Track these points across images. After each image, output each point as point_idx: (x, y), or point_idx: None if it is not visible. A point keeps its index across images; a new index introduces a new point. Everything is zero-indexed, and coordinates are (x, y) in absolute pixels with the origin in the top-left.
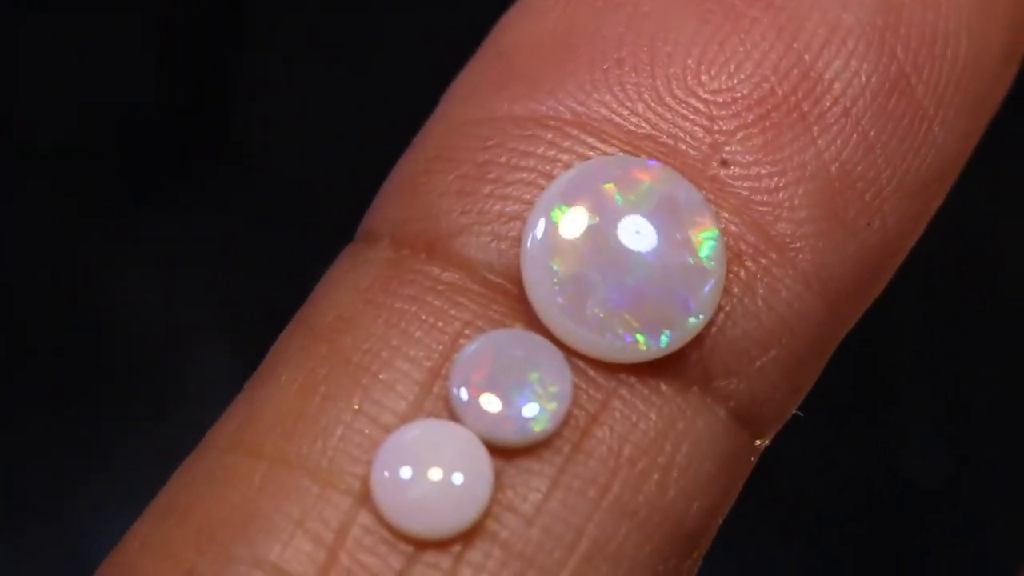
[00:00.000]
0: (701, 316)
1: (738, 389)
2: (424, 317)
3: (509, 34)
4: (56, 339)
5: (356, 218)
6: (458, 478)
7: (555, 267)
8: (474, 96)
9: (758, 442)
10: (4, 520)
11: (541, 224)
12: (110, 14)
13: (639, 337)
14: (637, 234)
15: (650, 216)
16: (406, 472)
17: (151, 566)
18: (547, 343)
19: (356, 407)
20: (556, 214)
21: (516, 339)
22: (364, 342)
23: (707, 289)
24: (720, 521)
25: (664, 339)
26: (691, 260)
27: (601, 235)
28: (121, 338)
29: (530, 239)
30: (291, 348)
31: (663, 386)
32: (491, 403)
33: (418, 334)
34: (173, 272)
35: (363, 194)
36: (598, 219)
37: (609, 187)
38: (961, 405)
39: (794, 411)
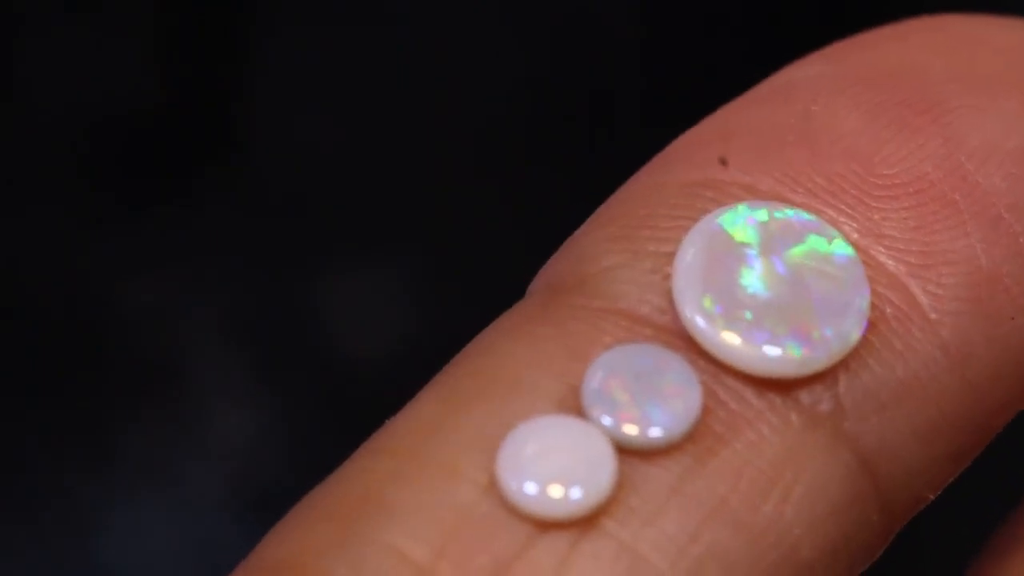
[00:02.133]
0: (856, 332)
1: (865, 434)
2: (566, 339)
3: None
4: (57, 336)
5: (357, 216)
6: (580, 468)
7: (706, 273)
8: (658, 165)
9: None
10: (7, 515)
11: (697, 242)
12: (109, 10)
13: (790, 346)
14: (786, 259)
15: (799, 248)
16: (530, 455)
17: (272, 548)
18: (678, 356)
19: (488, 410)
20: (712, 228)
21: (648, 351)
22: (505, 361)
23: (857, 311)
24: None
25: (822, 349)
26: (841, 283)
27: (751, 254)
28: (123, 335)
29: (684, 256)
30: (436, 377)
31: (794, 416)
32: (620, 405)
33: (559, 352)
34: (174, 269)
35: (365, 193)
36: (753, 243)
37: (762, 214)
38: None
39: (930, 496)
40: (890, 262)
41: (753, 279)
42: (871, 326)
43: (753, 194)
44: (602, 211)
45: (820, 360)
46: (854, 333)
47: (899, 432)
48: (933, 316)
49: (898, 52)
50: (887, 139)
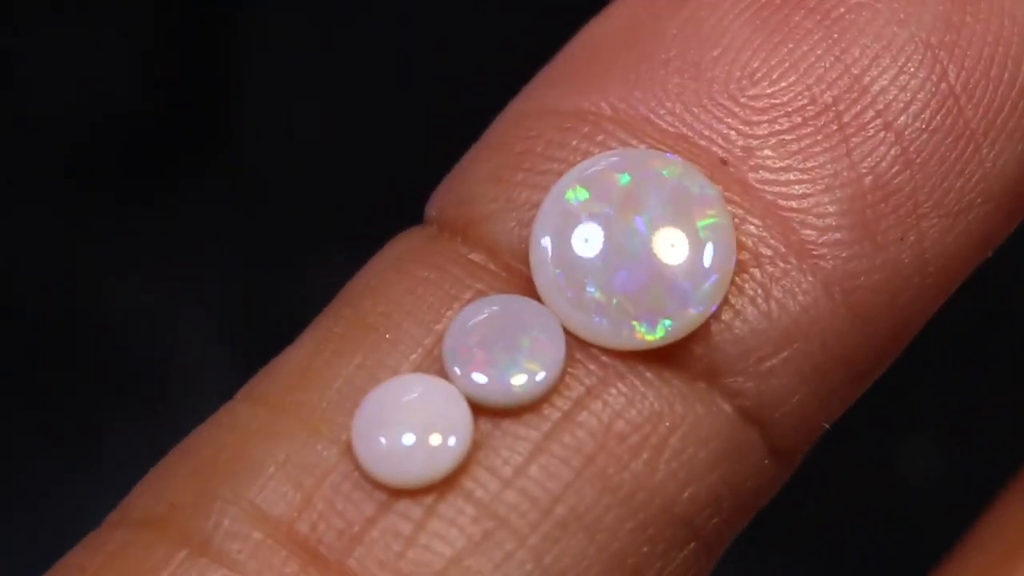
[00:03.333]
0: (701, 308)
1: (745, 387)
2: (442, 286)
3: (579, 34)
4: (46, 334)
5: (350, 214)
6: (436, 432)
7: (559, 251)
8: (533, 90)
9: (782, 458)
10: None
11: (550, 209)
12: (100, 7)
13: (637, 325)
14: (644, 224)
15: (660, 207)
16: (386, 418)
17: (142, 501)
18: (547, 312)
19: (358, 363)
20: (569, 198)
21: (516, 305)
22: (381, 305)
23: (710, 283)
24: (733, 524)
25: (661, 329)
26: (696, 253)
27: (607, 223)
28: (113, 333)
29: (538, 223)
30: (318, 317)
31: (666, 373)
32: (479, 363)
33: (432, 300)
34: (163, 266)
35: (359, 190)
36: (607, 208)
37: (624, 177)
38: (955, 405)
39: (824, 424)
40: (768, 194)
41: (607, 253)
42: (747, 270)
43: (624, 127)
44: (487, 137)
45: (680, 330)
46: (713, 296)
47: (783, 379)
48: (814, 251)
49: None
50: (771, 48)
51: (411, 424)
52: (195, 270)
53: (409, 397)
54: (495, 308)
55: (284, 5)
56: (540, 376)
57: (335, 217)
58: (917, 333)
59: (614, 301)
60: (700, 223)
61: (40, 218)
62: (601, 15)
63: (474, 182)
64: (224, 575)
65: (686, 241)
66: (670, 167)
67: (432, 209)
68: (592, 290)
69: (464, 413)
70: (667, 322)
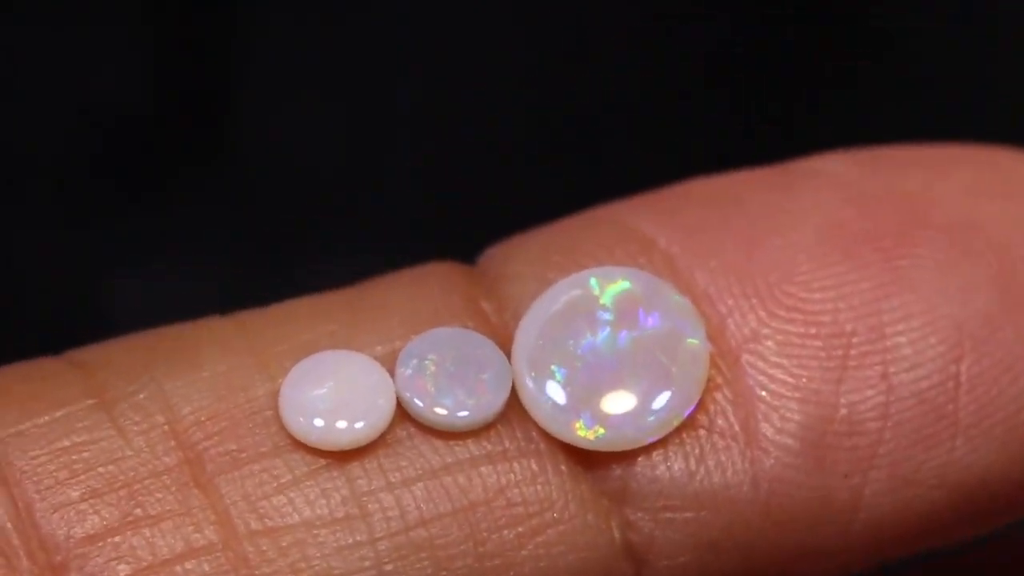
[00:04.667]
0: (638, 435)
1: (640, 524)
2: (438, 307)
3: (683, 183)
4: (43, 334)
5: (348, 214)
6: (353, 410)
7: (548, 325)
8: (620, 204)
9: None
10: None
11: (563, 287)
12: (99, 7)
13: (579, 421)
14: (628, 339)
15: (652, 333)
16: (316, 382)
17: (94, 348)
18: (506, 364)
19: (332, 330)
20: (582, 287)
21: (483, 346)
22: (383, 296)
23: (655, 418)
24: None
25: (595, 435)
26: (657, 386)
27: (600, 323)
28: (110, 333)
29: (546, 295)
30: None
31: (579, 474)
32: (426, 376)
33: (424, 313)
34: (161, 267)
35: (356, 191)
36: (607, 312)
37: (637, 292)
38: None
39: None
40: (752, 378)
41: (586, 348)
42: (697, 429)
43: (666, 262)
44: (566, 220)
45: (611, 444)
46: (653, 432)
47: (677, 535)
48: (762, 444)
49: (920, 179)
50: (825, 262)
51: (338, 393)
52: (194, 271)
53: (349, 371)
54: (465, 338)
55: (284, 6)
56: (463, 414)
57: (337, 219)
58: None
59: (568, 390)
60: (677, 366)
61: (37, 218)
62: (713, 177)
63: (525, 247)
64: (110, 437)
65: (656, 372)
66: (682, 308)
67: (484, 253)
68: (556, 370)
69: (385, 407)
70: (602, 431)
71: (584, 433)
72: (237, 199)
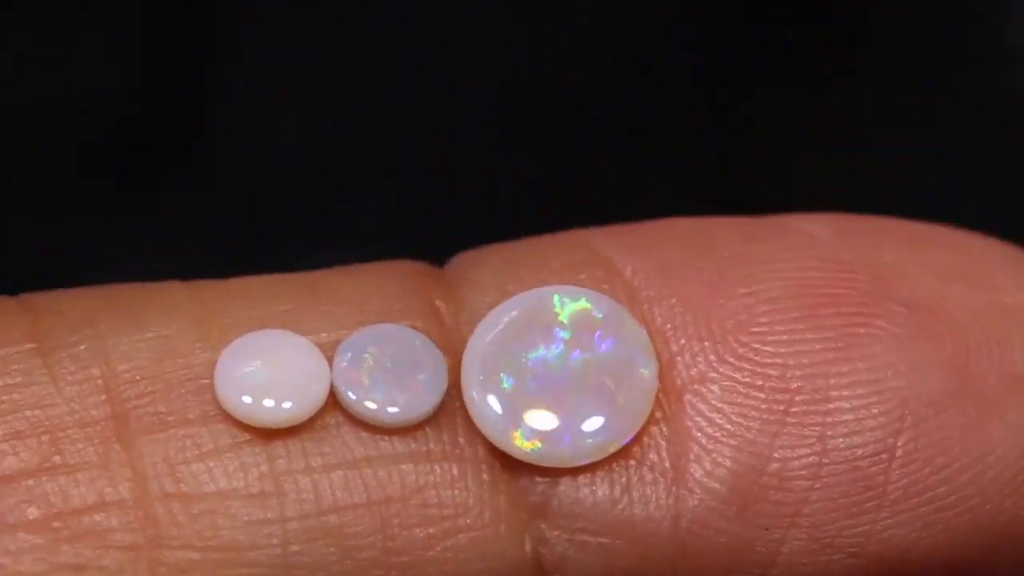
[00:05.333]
0: (571, 454)
1: (555, 542)
2: (393, 303)
3: (662, 220)
4: None
5: (335, 213)
6: (285, 390)
7: (503, 335)
8: (596, 230)
9: None
10: None
11: (526, 298)
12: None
13: (517, 431)
14: (580, 359)
15: (606, 356)
16: (253, 357)
17: (50, 293)
18: (444, 364)
19: (282, 309)
20: (546, 303)
21: (423, 347)
22: (342, 284)
23: (591, 442)
24: None
25: (531, 447)
26: (598, 409)
27: (556, 340)
28: None
29: (508, 303)
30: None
31: (502, 484)
32: (363, 372)
33: (376, 307)
34: (149, 263)
35: (343, 190)
36: (564, 331)
37: (598, 313)
38: None
39: None
40: (690, 419)
41: (537, 361)
42: (628, 460)
43: (629, 293)
44: (541, 238)
45: (543, 458)
46: (588, 454)
47: (590, 559)
48: (689, 484)
49: (893, 252)
50: (784, 319)
51: (274, 372)
52: (180, 269)
53: (288, 353)
54: (408, 337)
55: (270, 2)
56: (392, 410)
57: (324, 219)
58: None
59: (513, 400)
60: (623, 395)
61: (21, 214)
62: (691, 218)
63: (492, 257)
64: (42, 383)
65: (602, 397)
66: (638, 337)
67: (453, 258)
68: (504, 378)
69: (318, 392)
70: (539, 445)
71: (521, 443)
72: (223, 197)
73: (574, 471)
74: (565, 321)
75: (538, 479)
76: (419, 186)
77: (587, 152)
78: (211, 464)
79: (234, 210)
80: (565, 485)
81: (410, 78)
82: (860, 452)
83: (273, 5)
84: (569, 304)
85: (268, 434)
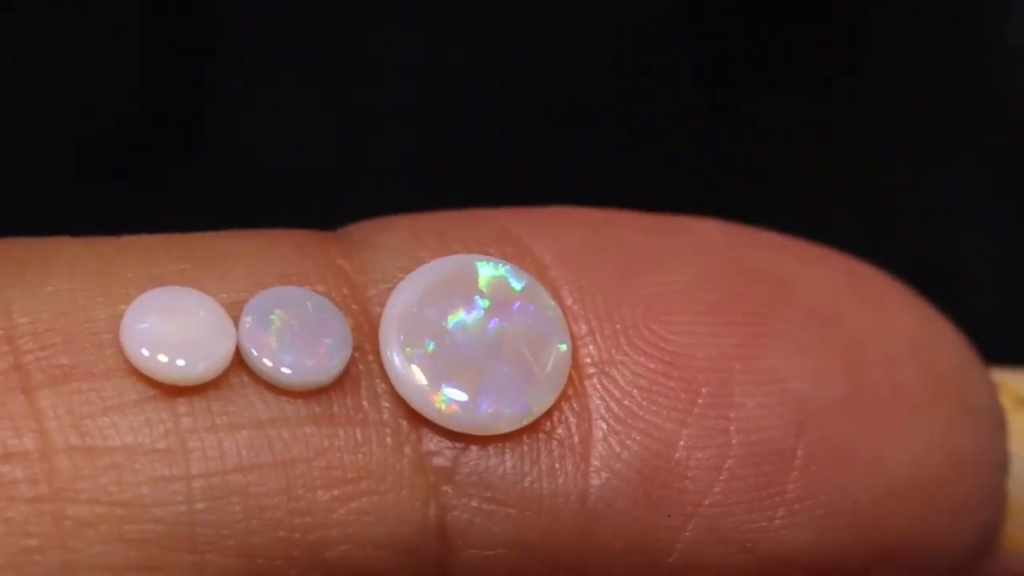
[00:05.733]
0: (479, 423)
1: (458, 507)
2: (288, 266)
3: (592, 210)
4: None
5: (331, 216)
6: (195, 346)
7: (425, 300)
8: (512, 211)
9: None
10: None
11: (445, 263)
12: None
13: (439, 393)
14: (496, 329)
15: (524, 329)
16: (161, 312)
17: None
18: (347, 329)
19: (182, 268)
20: (465, 272)
21: (328, 310)
22: (240, 245)
23: (505, 408)
24: None
25: (448, 409)
26: (517, 375)
27: (476, 307)
28: None
29: (427, 267)
30: None
31: (407, 447)
32: (268, 332)
33: (276, 270)
34: None
35: (339, 192)
36: (484, 299)
37: (518, 285)
38: None
39: None
40: (597, 396)
41: (458, 327)
42: (538, 432)
43: (540, 272)
44: (460, 212)
45: (459, 424)
46: (503, 424)
47: (495, 531)
48: (595, 462)
49: (788, 263)
50: (694, 312)
51: (181, 329)
52: None
53: (196, 310)
54: (313, 300)
55: (270, 2)
56: (298, 372)
57: (320, 218)
58: None
59: (430, 363)
60: (539, 367)
61: (20, 215)
62: (592, 208)
63: (395, 226)
64: None
65: (519, 367)
66: (555, 313)
67: (347, 226)
68: (426, 342)
69: (224, 351)
70: (457, 411)
71: (440, 406)
72: (223, 197)
73: (484, 440)
74: (484, 289)
75: (448, 445)
76: (419, 186)
77: (587, 152)
78: (116, 418)
79: (234, 210)
80: (475, 453)
81: (410, 78)
82: (763, 450)
83: (273, 5)
84: (490, 272)
85: (174, 391)
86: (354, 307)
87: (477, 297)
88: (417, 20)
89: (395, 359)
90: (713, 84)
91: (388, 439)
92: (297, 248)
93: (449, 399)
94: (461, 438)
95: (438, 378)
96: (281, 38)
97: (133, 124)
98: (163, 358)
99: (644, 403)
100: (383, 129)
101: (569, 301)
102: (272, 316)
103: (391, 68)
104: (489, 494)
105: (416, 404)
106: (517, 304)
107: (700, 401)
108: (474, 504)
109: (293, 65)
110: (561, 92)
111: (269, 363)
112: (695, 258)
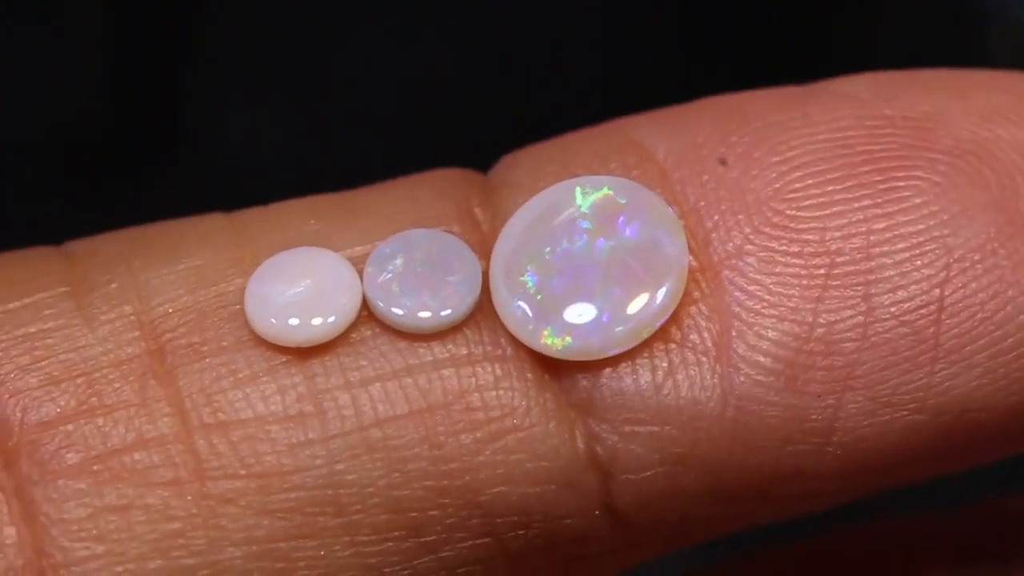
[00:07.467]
0: (604, 345)
1: (604, 436)
2: (427, 211)
3: (702, 100)
4: None
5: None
6: (322, 306)
7: (526, 234)
8: (631, 118)
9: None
10: None
11: (545, 196)
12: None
13: (546, 328)
14: (605, 248)
15: (631, 243)
16: (282, 279)
17: (87, 240)
18: (477, 267)
19: (314, 228)
20: (568, 198)
21: (454, 247)
22: (377, 197)
23: (624, 328)
24: (539, 550)
25: (562, 343)
26: (629, 295)
27: (579, 232)
28: None
29: (527, 205)
30: None
31: (545, 382)
32: (393, 279)
33: (411, 216)
34: None
35: (322, 186)
36: (587, 221)
37: (622, 199)
38: None
39: (677, 520)
40: (730, 295)
41: (560, 255)
42: (668, 343)
43: (660, 175)
44: (580, 132)
45: (576, 353)
46: (620, 342)
47: (641, 449)
48: (734, 361)
49: (935, 102)
50: (821, 181)
51: (303, 290)
52: None
53: (316, 269)
54: (439, 240)
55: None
56: (425, 315)
57: None
58: (812, 507)
59: (539, 297)
60: (651, 277)
61: (3, 218)
62: (730, 93)
63: (527, 158)
64: (75, 325)
65: (629, 282)
66: (665, 219)
67: (498, 162)
68: (528, 278)
69: (348, 305)
70: (569, 340)
71: (551, 341)
72: (199, 197)
73: (614, 361)
74: (587, 211)
75: (580, 375)
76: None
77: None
78: (248, 390)
79: (209, 210)
80: (607, 377)
81: (403, 80)
82: (906, 307)
83: (248, 6)
84: (591, 194)
85: (303, 353)
86: (487, 251)
87: (580, 221)
88: (413, 20)
89: (500, 299)
90: (713, 84)
91: (528, 373)
92: (433, 193)
93: (559, 331)
94: (592, 366)
95: (544, 312)
96: (256, 38)
97: (107, 125)
98: (289, 321)
99: (776, 288)
100: (359, 131)
101: (693, 199)
102: (396, 262)
103: (365, 70)
104: (627, 416)
105: (527, 341)
106: (622, 219)
107: (835, 272)
108: (616, 429)
109: (268, 65)
110: (561, 92)
111: (395, 310)
112: (824, 124)
